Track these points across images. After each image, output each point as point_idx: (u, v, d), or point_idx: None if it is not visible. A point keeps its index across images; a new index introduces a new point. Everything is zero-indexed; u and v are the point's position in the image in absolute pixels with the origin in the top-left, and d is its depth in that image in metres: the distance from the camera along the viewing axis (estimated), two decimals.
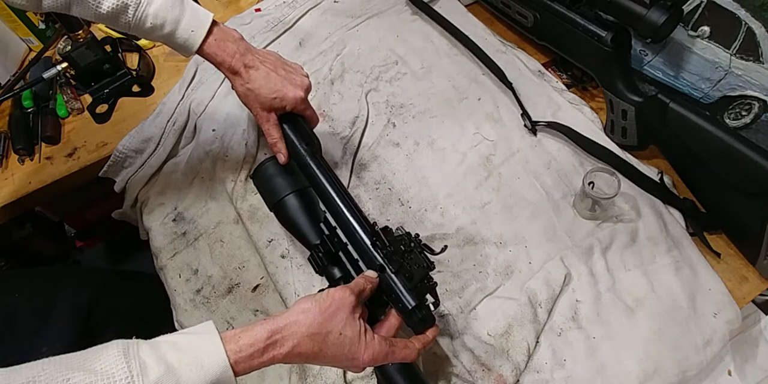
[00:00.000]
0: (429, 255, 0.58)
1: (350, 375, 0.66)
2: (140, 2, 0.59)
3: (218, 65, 0.66)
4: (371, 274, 0.57)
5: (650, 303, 0.68)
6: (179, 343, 0.43)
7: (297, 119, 0.71)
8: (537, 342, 0.67)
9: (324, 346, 0.48)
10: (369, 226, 0.61)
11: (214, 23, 0.64)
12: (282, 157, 0.68)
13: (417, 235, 0.58)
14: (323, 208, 0.66)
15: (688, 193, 0.77)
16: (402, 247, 0.57)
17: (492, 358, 0.65)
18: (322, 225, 0.64)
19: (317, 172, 0.67)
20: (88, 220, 1.29)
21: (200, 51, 0.65)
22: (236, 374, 0.44)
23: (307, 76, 0.70)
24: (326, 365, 0.53)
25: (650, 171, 0.79)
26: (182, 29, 0.62)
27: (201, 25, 0.63)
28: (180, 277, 0.78)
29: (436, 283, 0.58)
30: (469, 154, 0.83)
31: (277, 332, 0.46)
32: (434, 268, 0.56)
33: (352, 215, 0.62)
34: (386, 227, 0.60)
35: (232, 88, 0.75)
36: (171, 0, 0.61)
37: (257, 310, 0.73)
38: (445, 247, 0.58)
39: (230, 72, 0.67)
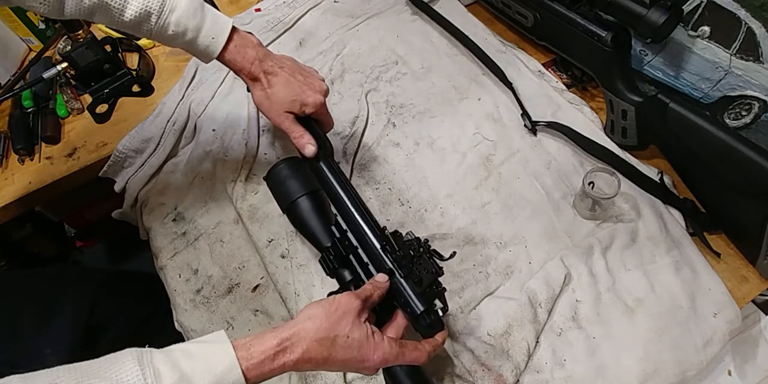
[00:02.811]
0: (438, 260, 0.58)
1: (350, 375, 0.66)
2: (163, 10, 0.59)
3: (238, 71, 0.67)
4: (381, 278, 0.57)
5: (650, 303, 0.68)
6: (192, 352, 0.44)
7: (310, 122, 0.71)
8: (537, 342, 0.67)
9: (333, 350, 0.49)
10: (379, 231, 0.61)
11: (233, 29, 0.64)
12: (311, 148, 0.67)
13: (426, 240, 0.58)
14: (334, 211, 0.66)
15: (688, 193, 0.77)
16: (411, 252, 0.57)
17: (492, 358, 0.65)
18: (333, 227, 0.64)
19: (329, 175, 0.67)
20: (88, 220, 1.29)
21: (220, 57, 0.65)
22: (248, 382, 0.44)
23: (324, 80, 0.71)
24: (338, 370, 0.53)
25: (650, 171, 0.79)
26: (203, 36, 0.62)
27: (221, 32, 0.63)
28: (180, 277, 0.78)
29: (445, 288, 0.58)
30: (469, 154, 0.83)
31: (287, 339, 0.47)
32: (443, 273, 0.56)
33: (362, 219, 0.62)
34: (396, 232, 0.61)
35: (247, 93, 0.74)
36: (192, 7, 0.61)
37: (257, 310, 0.73)
38: (454, 253, 0.58)
39: (249, 78, 0.67)
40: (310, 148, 0.67)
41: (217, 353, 0.44)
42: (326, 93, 0.70)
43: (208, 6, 0.64)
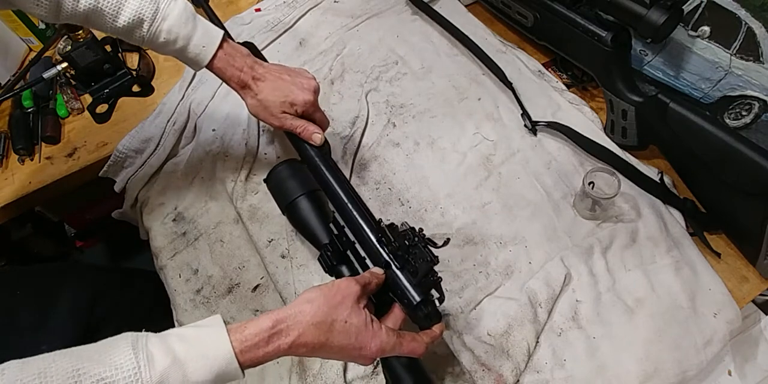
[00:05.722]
0: (432, 249, 0.58)
1: (350, 375, 0.66)
2: (155, 18, 0.60)
3: (227, 80, 0.68)
4: (377, 270, 0.57)
5: (650, 303, 0.68)
6: (187, 336, 0.44)
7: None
8: (537, 342, 0.66)
9: (330, 335, 0.49)
10: (374, 223, 0.62)
11: (224, 40, 0.66)
12: (319, 136, 0.69)
13: (421, 229, 0.58)
14: (332, 208, 0.66)
15: (688, 193, 0.77)
16: (406, 242, 0.57)
17: (492, 358, 0.65)
18: (331, 225, 0.65)
19: (326, 173, 0.68)
20: (88, 220, 1.29)
21: (210, 65, 0.66)
22: (242, 365, 0.44)
23: (314, 78, 0.71)
24: (334, 358, 0.53)
25: (650, 171, 0.79)
26: (193, 45, 0.64)
27: (212, 41, 0.65)
28: (180, 277, 0.78)
29: (440, 278, 0.58)
30: (469, 154, 0.83)
31: (282, 321, 0.47)
32: (438, 261, 0.56)
33: (359, 214, 0.63)
34: (392, 224, 0.61)
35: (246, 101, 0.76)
36: (184, 16, 0.62)
37: (257, 310, 0.73)
38: (448, 239, 0.58)
39: (239, 86, 0.68)
40: (317, 136, 0.69)
41: (211, 336, 0.44)
42: (316, 90, 0.70)
43: (199, 17, 0.65)
